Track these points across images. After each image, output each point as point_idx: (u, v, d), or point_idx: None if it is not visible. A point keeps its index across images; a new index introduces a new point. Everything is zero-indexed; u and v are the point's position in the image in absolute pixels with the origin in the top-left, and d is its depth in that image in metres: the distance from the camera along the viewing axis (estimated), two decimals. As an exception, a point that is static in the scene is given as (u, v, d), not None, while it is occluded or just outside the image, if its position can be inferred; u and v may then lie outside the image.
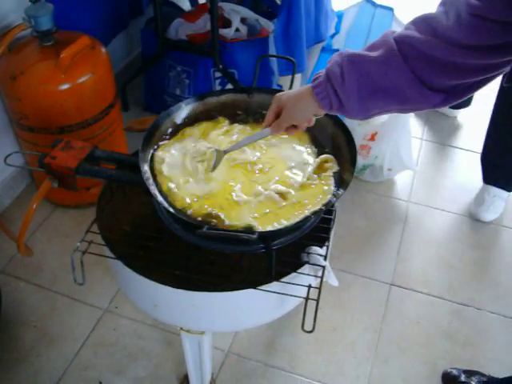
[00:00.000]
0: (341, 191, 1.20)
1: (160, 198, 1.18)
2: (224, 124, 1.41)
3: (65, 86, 1.80)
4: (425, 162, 2.44)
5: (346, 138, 1.30)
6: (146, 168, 1.26)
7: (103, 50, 1.94)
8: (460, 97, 0.91)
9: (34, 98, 1.81)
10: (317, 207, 1.18)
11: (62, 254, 1.95)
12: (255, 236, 1.07)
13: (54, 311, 1.80)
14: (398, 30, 2.23)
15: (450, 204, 2.22)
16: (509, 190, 2.14)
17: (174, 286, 1.20)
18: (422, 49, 0.87)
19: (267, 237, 1.15)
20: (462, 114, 2.68)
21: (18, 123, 1.92)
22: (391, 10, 2.42)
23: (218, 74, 2.31)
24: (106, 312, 1.80)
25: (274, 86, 2.37)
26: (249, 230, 1.13)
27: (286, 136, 1.34)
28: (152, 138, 1.35)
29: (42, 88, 1.79)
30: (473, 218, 2.16)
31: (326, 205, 1.19)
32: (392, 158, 2.19)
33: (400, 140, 2.12)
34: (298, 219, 1.16)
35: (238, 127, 1.40)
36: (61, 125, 1.88)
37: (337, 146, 1.32)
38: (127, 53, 2.75)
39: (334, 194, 1.22)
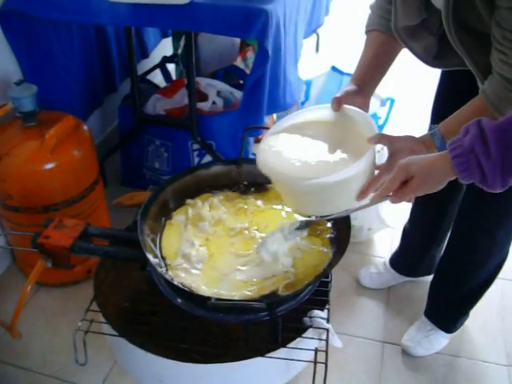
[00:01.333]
0: (337, 257, 1.24)
1: (168, 276, 1.20)
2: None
3: (50, 166, 1.81)
4: (403, 217, 2.51)
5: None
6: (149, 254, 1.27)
7: (86, 128, 1.98)
8: None
9: (19, 178, 1.82)
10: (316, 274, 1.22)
11: (50, 335, 1.91)
12: (264, 305, 1.09)
13: (46, 395, 1.75)
14: (375, 103, 2.27)
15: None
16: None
17: (181, 360, 1.20)
18: None
19: (272, 304, 1.17)
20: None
21: (1, 203, 1.91)
22: (357, 77, 2.54)
23: (196, 146, 2.36)
24: (100, 392, 1.76)
25: (250, 155, 2.43)
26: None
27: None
28: (148, 212, 1.38)
29: (27, 168, 1.80)
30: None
31: (324, 272, 1.23)
32: (372, 218, 2.25)
33: (380, 210, 2.20)
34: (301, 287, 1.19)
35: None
36: (46, 203, 1.88)
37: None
38: (102, 129, 2.80)
39: (330, 263, 1.25)
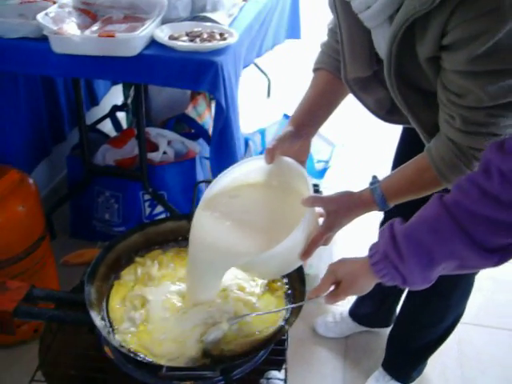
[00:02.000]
0: (293, 319, 1.21)
1: (115, 342, 1.13)
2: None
3: (-7, 223, 1.74)
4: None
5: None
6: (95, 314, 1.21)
7: (31, 182, 1.91)
8: None
9: (-41, 236, 1.73)
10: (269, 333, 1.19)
11: (-8, 404, 1.80)
12: (219, 373, 1.05)
13: None
14: (319, 143, 2.34)
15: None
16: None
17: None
18: (473, 210, 0.86)
19: (226, 370, 1.12)
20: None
21: None
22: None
23: (147, 197, 2.32)
24: None
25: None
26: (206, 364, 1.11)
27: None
28: (95, 273, 1.32)
29: (-32, 227, 1.72)
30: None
31: (279, 332, 1.19)
32: (325, 267, 2.24)
33: (333, 248, 2.19)
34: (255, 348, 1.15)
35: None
36: (-11, 262, 1.79)
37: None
38: (50, 179, 2.72)
39: (286, 320, 1.22)
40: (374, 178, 1.17)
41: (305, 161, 1.31)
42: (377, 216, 1.49)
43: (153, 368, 1.08)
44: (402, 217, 1.00)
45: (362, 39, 1.15)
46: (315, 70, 1.37)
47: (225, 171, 1.25)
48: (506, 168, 0.82)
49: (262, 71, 4.07)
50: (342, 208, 1.14)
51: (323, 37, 1.39)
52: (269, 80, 4.09)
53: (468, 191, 0.87)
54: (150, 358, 1.12)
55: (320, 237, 1.15)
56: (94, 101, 2.87)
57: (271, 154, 1.21)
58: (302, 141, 1.28)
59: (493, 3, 0.85)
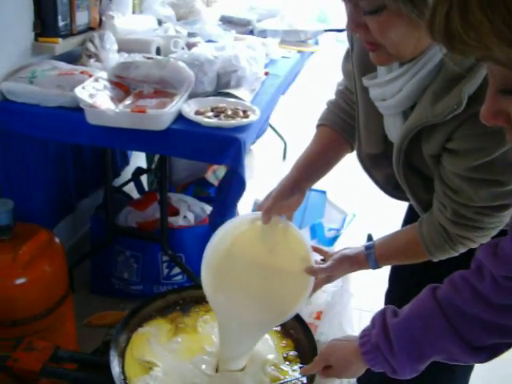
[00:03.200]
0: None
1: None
2: None
3: (21, 281, 1.84)
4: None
5: (304, 331, 1.41)
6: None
7: (58, 242, 2.02)
8: (503, 352, 0.95)
9: (-11, 293, 1.83)
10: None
11: None
12: None
13: None
14: (332, 212, 2.44)
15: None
16: None
17: None
18: (464, 309, 0.91)
19: None
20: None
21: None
22: (324, 192, 2.68)
23: (165, 258, 2.42)
24: None
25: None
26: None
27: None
28: (119, 339, 1.40)
29: (-2, 283, 1.82)
30: None
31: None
32: (335, 332, 2.30)
33: (343, 316, 2.26)
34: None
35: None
36: (14, 318, 1.88)
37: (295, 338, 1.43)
38: (72, 234, 2.83)
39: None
40: (369, 239, 1.27)
41: (295, 210, 1.37)
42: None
43: None
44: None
45: (377, 119, 1.24)
46: (319, 125, 1.42)
47: (222, 228, 1.34)
48: (497, 274, 0.87)
49: (278, 134, 4.22)
50: (341, 271, 1.29)
51: (331, 95, 1.46)
52: (285, 143, 4.23)
53: (461, 290, 0.92)
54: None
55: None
56: (126, 160, 3.00)
57: (268, 215, 1.25)
58: (297, 196, 1.32)
59: (491, 128, 0.96)
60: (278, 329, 1.43)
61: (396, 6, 0.91)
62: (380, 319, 1.03)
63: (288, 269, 1.30)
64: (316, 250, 1.33)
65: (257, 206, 1.33)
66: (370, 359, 1.02)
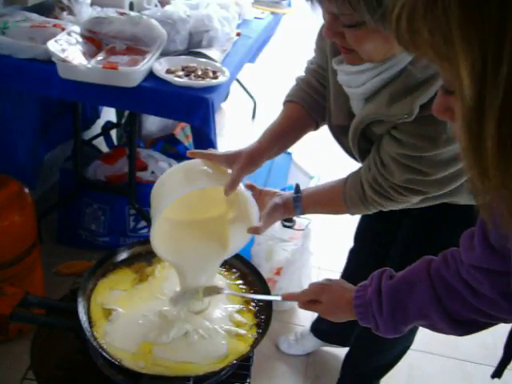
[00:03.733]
0: (259, 338, 1.37)
1: (100, 350, 1.28)
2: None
3: (-11, 230, 1.89)
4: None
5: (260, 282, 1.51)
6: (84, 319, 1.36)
7: (28, 193, 2.06)
8: (482, 328, 0.99)
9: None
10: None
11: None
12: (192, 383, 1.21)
13: None
14: (297, 174, 2.52)
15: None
16: None
17: None
18: (450, 284, 0.96)
19: (198, 380, 1.28)
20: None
21: None
22: (289, 154, 2.76)
23: (132, 212, 2.48)
24: None
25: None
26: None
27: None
28: (86, 287, 1.47)
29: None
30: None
31: (249, 352, 1.35)
32: (294, 288, 2.42)
33: (302, 273, 2.37)
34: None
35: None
36: (-18, 265, 1.94)
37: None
38: (40, 184, 2.86)
39: (253, 343, 1.37)
40: (297, 190, 1.36)
41: None
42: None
43: (135, 375, 1.23)
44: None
45: (345, 96, 1.30)
46: (288, 101, 1.43)
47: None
48: (466, 262, 0.94)
49: (248, 93, 4.25)
50: (275, 218, 1.37)
51: (300, 72, 1.47)
52: (255, 102, 4.26)
53: (449, 263, 0.98)
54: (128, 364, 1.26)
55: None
56: (96, 113, 3.00)
57: (233, 189, 1.23)
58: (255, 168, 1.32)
59: (433, 133, 1.07)
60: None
61: (375, 25, 0.96)
62: (377, 278, 1.08)
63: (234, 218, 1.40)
64: (248, 186, 1.40)
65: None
66: (360, 313, 1.08)
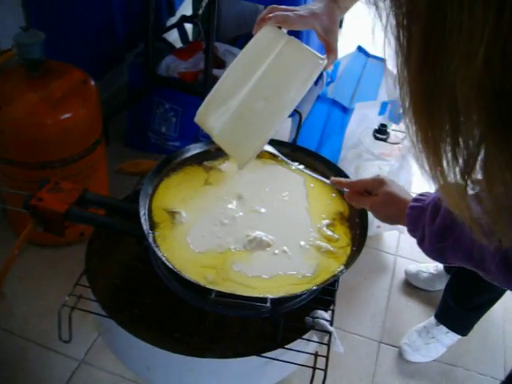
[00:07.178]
0: (355, 257, 1.15)
1: (164, 260, 1.08)
2: None
3: (51, 121, 1.70)
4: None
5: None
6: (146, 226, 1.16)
7: (93, 85, 1.86)
8: None
9: (17, 130, 1.71)
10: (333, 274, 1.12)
11: (36, 298, 1.82)
12: (269, 305, 1.00)
13: (26, 362, 1.67)
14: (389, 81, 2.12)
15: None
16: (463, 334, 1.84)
17: (172, 350, 1.11)
18: None
19: (276, 303, 1.08)
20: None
21: (-2, 155, 1.81)
22: (383, 60, 2.42)
23: (206, 114, 2.25)
24: (81, 363, 1.68)
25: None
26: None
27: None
28: (149, 187, 1.27)
29: (27, 120, 1.69)
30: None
31: (339, 274, 1.12)
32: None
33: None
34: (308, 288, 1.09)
35: None
36: (43, 160, 1.77)
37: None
38: (110, 84, 2.67)
39: (341, 270, 1.14)
40: None
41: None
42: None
43: (201, 290, 1.04)
44: None
45: None
46: None
47: None
48: None
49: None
50: None
51: None
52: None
53: None
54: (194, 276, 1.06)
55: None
56: (171, 10, 2.76)
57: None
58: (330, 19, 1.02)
59: None
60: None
61: None
62: None
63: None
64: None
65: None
66: (411, 215, 0.91)
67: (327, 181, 1.15)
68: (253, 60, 0.98)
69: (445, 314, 1.80)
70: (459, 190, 0.47)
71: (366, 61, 2.42)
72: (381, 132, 2.03)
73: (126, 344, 1.19)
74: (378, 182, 1.02)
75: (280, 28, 1.03)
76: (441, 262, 0.90)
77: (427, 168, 0.48)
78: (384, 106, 2.13)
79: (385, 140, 2.02)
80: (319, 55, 1.02)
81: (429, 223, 0.87)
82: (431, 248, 0.88)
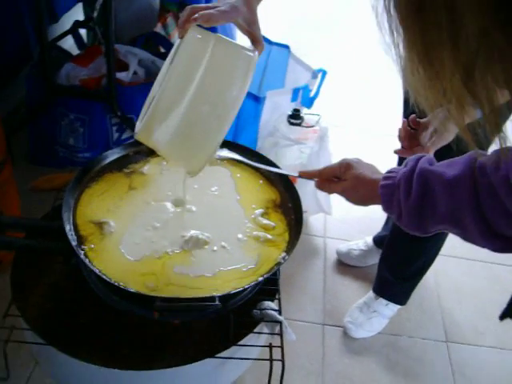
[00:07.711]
0: (286, 256, 1.12)
1: (99, 274, 1.01)
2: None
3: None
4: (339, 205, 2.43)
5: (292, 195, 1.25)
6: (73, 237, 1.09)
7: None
8: None
9: None
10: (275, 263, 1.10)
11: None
12: (218, 303, 0.96)
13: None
14: (296, 68, 2.16)
15: (364, 235, 2.22)
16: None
17: (118, 367, 1.05)
18: (495, 187, 0.76)
19: (225, 300, 1.04)
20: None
21: None
22: (287, 47, 2.42)
23: (115, 121, 2.16)
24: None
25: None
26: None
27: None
28: (70, 200, 1.19)
29: None
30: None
31: (278, 264, 1.10)
32: (309, 202, 2.15)
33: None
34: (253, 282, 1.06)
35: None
36: None
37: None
38: (8, 100, 2.50)
39: (283, 257, 1.12)
40: None
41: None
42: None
43: (144, 300, 0.98)
44: None
45: None
46: None
47: None
48: None
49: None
50: None
51: None
52: None
53: (499, 168, 0.75)
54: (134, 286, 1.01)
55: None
56: (54, 18, 2.62)
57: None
58: (249, 15, 1.01)
59: None
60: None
61: None
62: (413, 161, 0.89)
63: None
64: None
65: None
66: (385, 194, 0.91)
67: (295, 174, 1.12)
68: (188, 66, 0.93)
69: (382, 287, 1.84)
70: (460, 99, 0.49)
71: (269, 48, 2.41)
72: (295, 117, 2.04)
73: (69, 369, 1.12)
74: (345, 166, 1.02)
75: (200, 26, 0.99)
76: (420, 233, 0.89)
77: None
78: (296, 92, 2.15)
79: (299, 124, 2.03)
80: (249, 48, 1.00)
81: (404, 199, 0.87)
82: (410, 221, 0.88)
